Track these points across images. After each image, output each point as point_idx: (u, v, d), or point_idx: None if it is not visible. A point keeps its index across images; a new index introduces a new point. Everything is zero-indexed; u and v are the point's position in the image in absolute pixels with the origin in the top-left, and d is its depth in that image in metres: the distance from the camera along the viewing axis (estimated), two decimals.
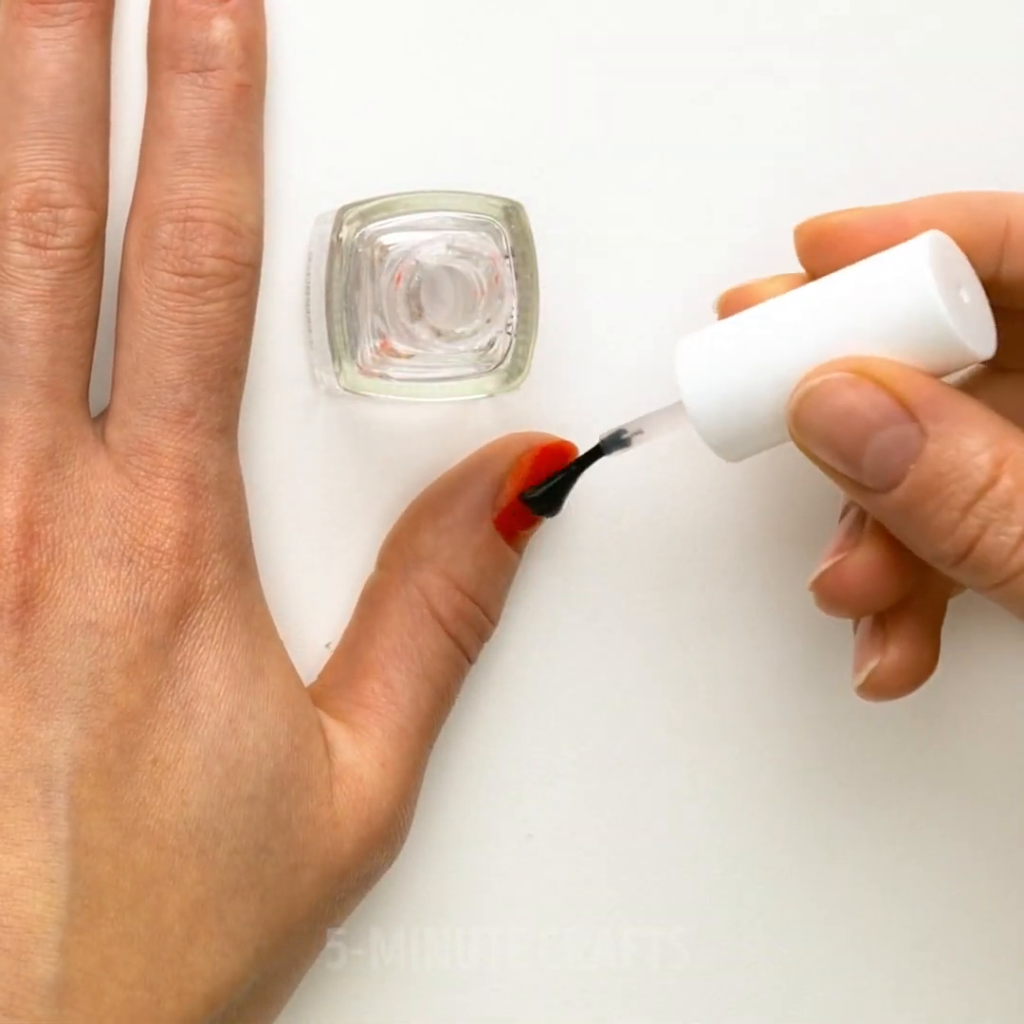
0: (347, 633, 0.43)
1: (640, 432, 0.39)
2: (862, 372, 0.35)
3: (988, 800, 0.46)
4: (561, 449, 0.42)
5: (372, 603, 0.42)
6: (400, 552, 0.42)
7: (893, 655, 0.38)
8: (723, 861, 0.45)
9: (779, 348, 0.36)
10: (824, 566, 0.38)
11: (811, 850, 0.45)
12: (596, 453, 0.40)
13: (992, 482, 0.34)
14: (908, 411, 0.34)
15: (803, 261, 0.38)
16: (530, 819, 0.45)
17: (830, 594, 0.38)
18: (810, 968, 0.46)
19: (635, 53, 0.44)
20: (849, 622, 0.42)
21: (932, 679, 0.41)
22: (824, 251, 0.37)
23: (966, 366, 0.36)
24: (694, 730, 0.44)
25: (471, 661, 0.42)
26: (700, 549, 0.44)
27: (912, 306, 0.34)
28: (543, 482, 0.41)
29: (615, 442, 0.39)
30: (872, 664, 0.38)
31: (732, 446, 0.37)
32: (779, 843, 0.45)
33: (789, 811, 0.45)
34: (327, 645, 0.43)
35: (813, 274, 0.37)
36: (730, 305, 0.38)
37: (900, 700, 0.41)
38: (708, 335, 0.37)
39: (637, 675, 0.44)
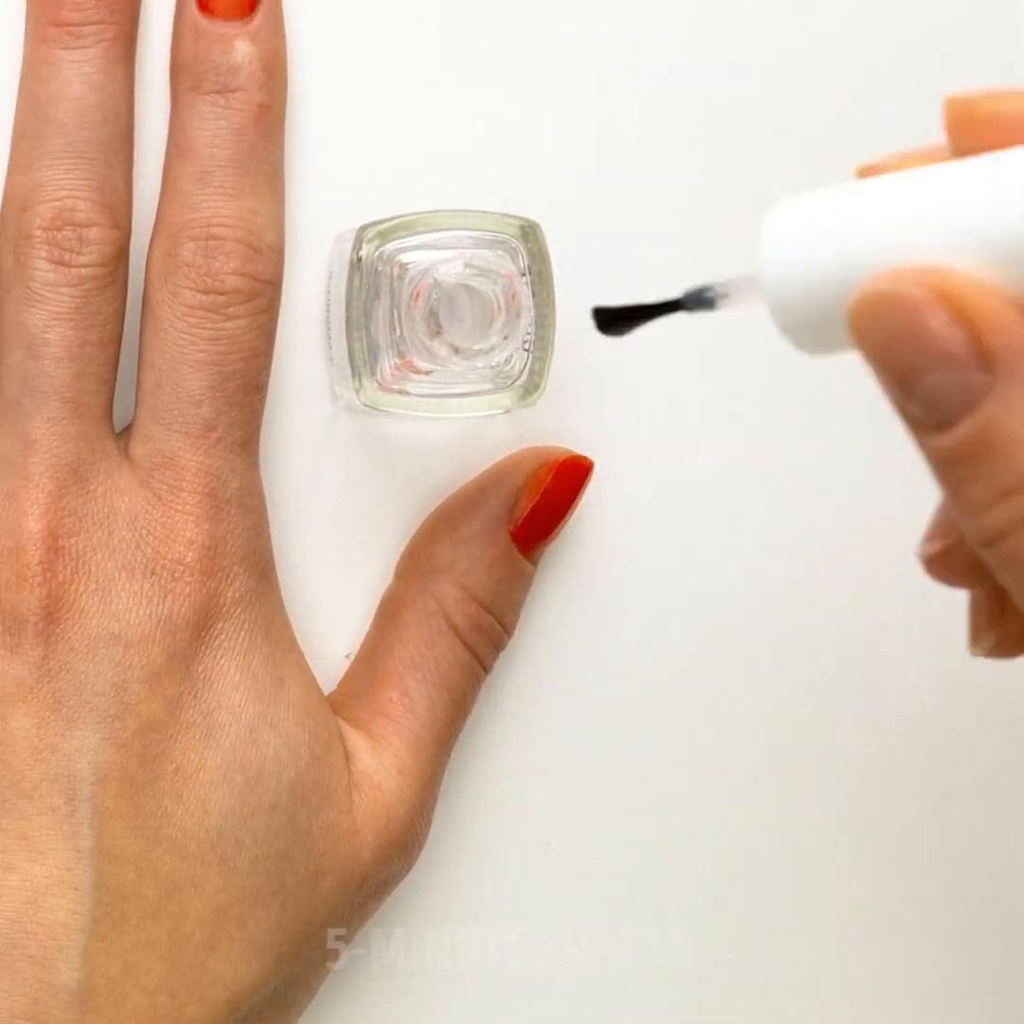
0: (365, 643, 0.43)
1: (726, 295, 0.34)
2: (944, 294, 0.29)
3: (990, 807, 0.46)
4: (577, 464, 0.43)
5: (389, 614, 0.43)
6: (417, 563, 0.43)
7: (1011, 627, 0.34)
8: (729, 865, 0.45)
9: (875, 231, 0.30)
10: (935, 547, 0.34)
11: (812, 852, 0.45)
12: (674, 306, 0.35)
13: None
14: (983, 356, 0.28)
15: (950, 138, 0.32)
16: (544, 827, 0.45)
17: (942, 574, 0.34)
18: (810, 969, 0.46)
19: (651, 72, 0.45)
20: (864, 637, 0.43)
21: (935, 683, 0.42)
22: (973, 138, 0.31)
23: None
24: (707, 739, 0.45)
25: (487, 671, 0.43)
26: (715, 560, 0.45)
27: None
28: (619, 307, 0.36)
29: (698, 300, 0.34)
30: (992, 636, 0.34)
31: (804, 333, 0.32)
32: (786, 850, 0.45)
33: (795, 816, 0.45)
34: (347, 656, 0.44)
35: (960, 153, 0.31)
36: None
37: (901, 715, 0.43)
38: (806, 201, 0.32)
39: (651, 684, 0.45)
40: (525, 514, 0.42)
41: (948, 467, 0.29)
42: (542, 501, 0.42)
